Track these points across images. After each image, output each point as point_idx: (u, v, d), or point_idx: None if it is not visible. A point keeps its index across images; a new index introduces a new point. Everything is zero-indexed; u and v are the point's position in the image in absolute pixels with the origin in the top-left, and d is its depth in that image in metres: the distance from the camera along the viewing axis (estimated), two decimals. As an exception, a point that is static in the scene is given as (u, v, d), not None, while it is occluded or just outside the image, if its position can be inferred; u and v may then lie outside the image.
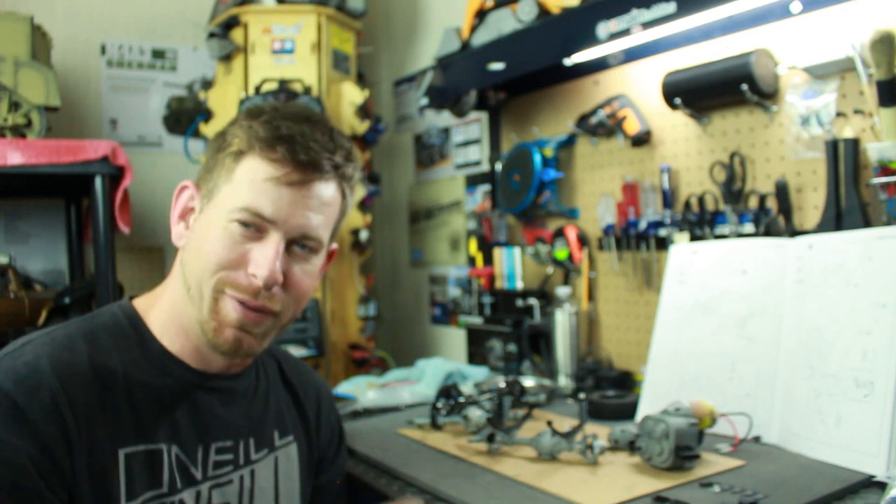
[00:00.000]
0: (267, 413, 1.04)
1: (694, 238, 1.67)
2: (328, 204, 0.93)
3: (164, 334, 0.94)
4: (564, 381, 1.91)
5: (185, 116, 2.49)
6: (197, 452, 0.93)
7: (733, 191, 1.62)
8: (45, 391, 0.81)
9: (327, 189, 0.92)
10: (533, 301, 2.05)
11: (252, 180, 0.88)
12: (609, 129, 1.91)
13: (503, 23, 1.90)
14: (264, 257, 0.88)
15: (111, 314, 0.95)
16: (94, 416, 0.84)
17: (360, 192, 2.50)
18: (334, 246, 1.03)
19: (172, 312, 0.94)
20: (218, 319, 0.89)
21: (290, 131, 0.89)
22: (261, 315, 0.91)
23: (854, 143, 1.40)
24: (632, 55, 1.85)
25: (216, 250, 0.88)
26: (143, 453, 0.87)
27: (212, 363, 0.96)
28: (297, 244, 0.92)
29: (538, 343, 2.03)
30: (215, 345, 0.91)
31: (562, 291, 1.96)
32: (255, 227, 0.88)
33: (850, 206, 1.40)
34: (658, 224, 1.78)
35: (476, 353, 2.19)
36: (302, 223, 0.90)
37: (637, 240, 1.83)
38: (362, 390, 1.79)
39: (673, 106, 1.71)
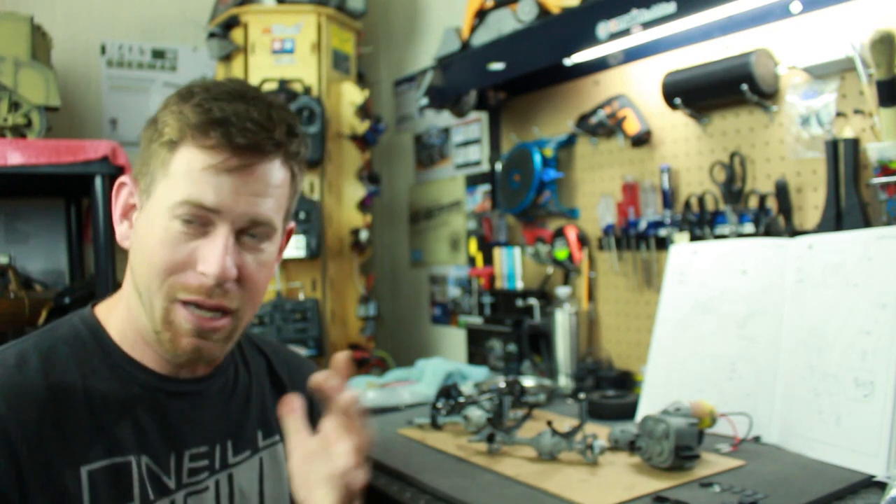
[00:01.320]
0: (248, 413, 0.99)
1: (694, 238, 1.67)
2: (276, 186, 0.86)
3: (125, 341, 0.90)
4: (564, 381, 1.91)
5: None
6: (169, 461, 0.89)
7: (733, 191, 1.62)
8: None
9: (272, 170, 0.86)
10: (533, 301, 2.05)
11: (189, 171, 0.82)
12: (609, 129, 1.91)
13: (503, 23, 1.91)
14: (213, 253, 0.82)
15: (70, 325, 0.91)
16: (48, 438, 0.80)
17: (359, 191, 2.50)
18: (291, 224, 0.97)
19: (129, 317, 0.89)
20: (172, 330, 0.84)
21: (224, 113, 0.81)
22: (217, 318, 0.85)
23: (854, 143, 1.40)
24: (632, 55, 1.85)
25: (161, 253, 0.82)
26: (110, 468, 0.83)
27: (177, 367, 0.91)
28: (248, 234, 0.86)
29: (538, 343, 2.03)
30: (173, 355, 0.86)
31: (562, 291, 1.96)
32: (199, 221, 0.82)
33: (850, 206, 1.40)
34: (658, 224, 1.78)
35: (476, 353, 2.19)
36: (248, 210, 0.84)
37: (637, 240, 1.83)
38: (362, 390, 1.79)
39: (673, 106, 1.71)
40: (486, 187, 2.46)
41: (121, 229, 0.90)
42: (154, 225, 0.84)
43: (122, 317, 0.91)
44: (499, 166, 2.28)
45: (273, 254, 0.91)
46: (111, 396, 0.86)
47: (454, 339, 2.64)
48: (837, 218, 1.41)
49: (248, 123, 0.82)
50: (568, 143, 2.07)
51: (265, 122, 0.83)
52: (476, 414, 1.45)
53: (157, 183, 0.85)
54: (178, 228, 0.82)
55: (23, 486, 0.78)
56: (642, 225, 1.81)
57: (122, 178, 0.90)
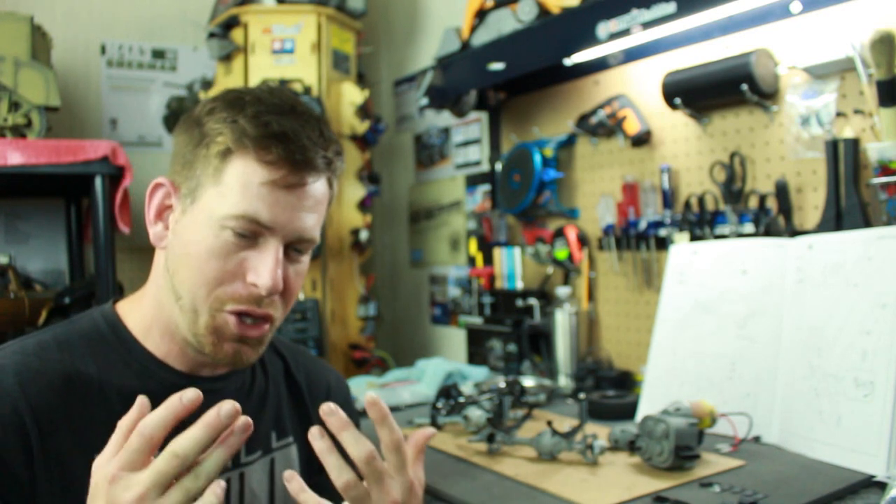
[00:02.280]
0: (263, 414, 1.01)
1: (694, 238, 1.67)
2: (320, 202, 0.90)
3: (148, 337, 0.91)
4: (564, 381, 1.91)
5: (185, 116, 2.50)
6: None
7: (733, 191, 1.62)
8: (4, 401, 0.79)
9: (320, 187, 0.89)
10: (533, 301, 2.05)
11: (245, 184, 0.83)
12: (609, 129, 1.91)
13: (503, 23, 1.91)
14: (265, 266, 0.84)
15: (90, 319, 0.92)
16: (61, 424, 0.81)
17: (359, 191, 2.50)
18: None
19: (157, 314, 0.91)
20: (216, 335, 0.86)
21: (282, 128, 0.83)
22: (259, 324, 0.88)
23: (854, 143, 1.40)
24: (632, 55, 1.85)
25: (211, 264, 0.84)
26: None
27: (199, 365, 0.93)
28: (293, 247, 0.89)
29: (538, 343, 2.03)
30: (214, 359, 0.88)
31: (562, 291, 1.96)
32: (250, 233, 0.84)
33: (850, 206, 1.40)
34: (658, 224, 1.78)
35: (476, 353, 2.19)
36: (298, 226, 0.86)
37: (637, 240, 1.83)
38: (362, 390, 1.80)
39: (673, 106, 1.71)
40: (486, 187, 2.46)
41: (155, 230, 0.91)
42: (201, 233, 0.85)
43: (148, 314, 0.92)
44: (499, 166, 2.28)
45: (307, 263, 0.94)
46: (126, 390, 0.87)
47: (454, 339, 2.64)
48: (837, 218, 1.41)
49: (305, 140, 0.84)
50: (568, 143, 2.07)
51: (319, 140, 0.86)
52: (476, 414, 1.45)
53: (204, 189, 0.86)
54: (228, 239, 0.84)
55: (34, 468, 0.79)
56: (642, 225, 1.81)
57: (159, 179, 0.91)
